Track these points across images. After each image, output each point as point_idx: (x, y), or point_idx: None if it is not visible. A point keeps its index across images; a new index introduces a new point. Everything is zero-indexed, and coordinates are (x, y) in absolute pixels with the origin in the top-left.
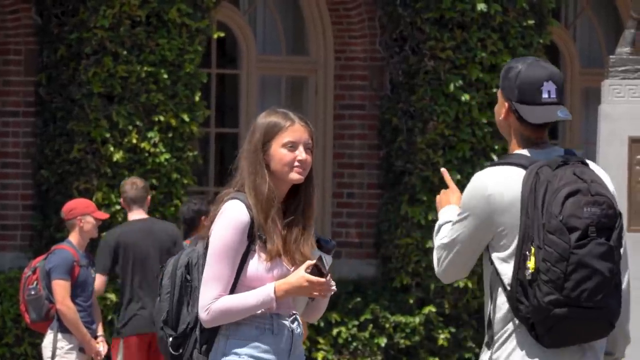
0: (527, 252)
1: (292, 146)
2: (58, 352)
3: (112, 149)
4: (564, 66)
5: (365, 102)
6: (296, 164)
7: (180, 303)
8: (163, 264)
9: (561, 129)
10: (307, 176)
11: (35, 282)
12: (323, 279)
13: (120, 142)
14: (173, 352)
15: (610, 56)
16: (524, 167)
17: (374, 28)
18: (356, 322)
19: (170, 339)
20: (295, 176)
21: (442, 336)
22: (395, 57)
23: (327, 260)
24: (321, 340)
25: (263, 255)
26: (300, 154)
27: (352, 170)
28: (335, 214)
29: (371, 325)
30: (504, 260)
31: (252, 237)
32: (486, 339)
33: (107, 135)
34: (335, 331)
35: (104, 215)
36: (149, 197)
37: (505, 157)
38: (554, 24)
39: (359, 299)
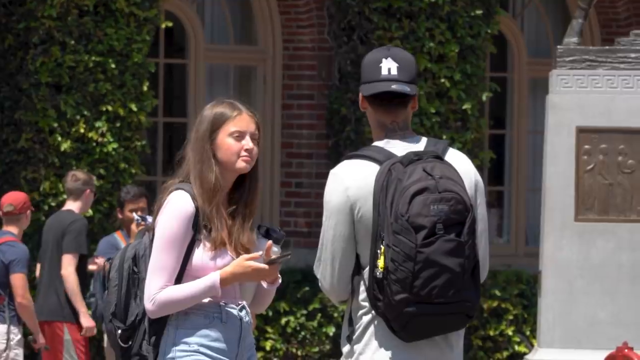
0: (378, 251)
1: (239, 135)
2: (11, 343)
3: (59, 138)
4: (511, 56)
5: (314, 92)
6: (243, 153)
7: (129, 295)
8: (57, 252)
9: (509, 119)
10: (252, 167)
11: None
12: (264, 265)
13: (67, 131)
14: (122, 344)
15: (558, 46)
16: (379, 162)
17: (322, 17)
18: (304, 312)
19: (119, 331)
20: (242, 165)
21: None
22: (344, 46)
23: (275, 249)
24: (270, 329)
25: (208, 245)
26: (247, 143)
27: (300, 160)
28: (283, 203)
29: (319, 315)
30: (363, 254)
31: (198, 227)
32: (347, 332)
33: (55, 124)
34: (283, 320)
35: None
36: (88, 191)
37: (362, 150)
38: (502, 14)
39: (307, 288)
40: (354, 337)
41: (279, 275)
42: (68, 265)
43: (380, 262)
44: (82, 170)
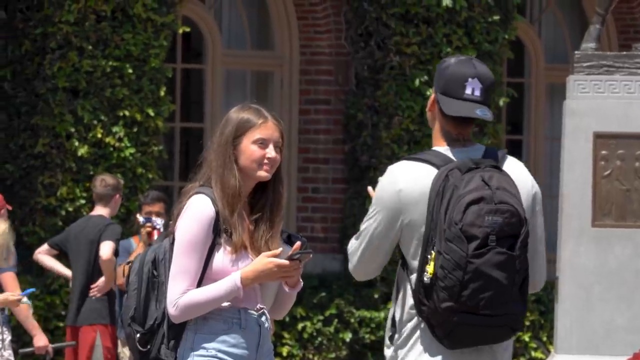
0: (428, 256)
1: (262, 143)
2: (4, 343)
3: (76, 143)
4: (529, 62)
5: (331, 97)
6: (265, 161)
7: (148, 299)
8: (92, 256)
9: (526, 125)
10: (276, 174)
11: None
12: (288, 262)
13: (85, 136)
14: (141, 348)
15: (576, 52)
16: (437, 166)
17: (339, 23)
18: (321, 317)
19: (138, 335)
20: (263, 174)
21: None
22: (361, 52)
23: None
24: (286, 335)
25: (228, 249)
26: (270, 152)
27: (317, 165)
28: (300, 208)
29: (336, 320)
30: (412, 258)
31: (218, 230)
32: (389, 333)
33: (72, 129)
34: (300, 326)
35: None
36: (117, 196)
37: (421, 153)
38: (519, 20)
39: (324, 294)
40: (399, 341)
41: (301, 280)
42: (109, 249)
43: (430, 268)
44: (110, 174)
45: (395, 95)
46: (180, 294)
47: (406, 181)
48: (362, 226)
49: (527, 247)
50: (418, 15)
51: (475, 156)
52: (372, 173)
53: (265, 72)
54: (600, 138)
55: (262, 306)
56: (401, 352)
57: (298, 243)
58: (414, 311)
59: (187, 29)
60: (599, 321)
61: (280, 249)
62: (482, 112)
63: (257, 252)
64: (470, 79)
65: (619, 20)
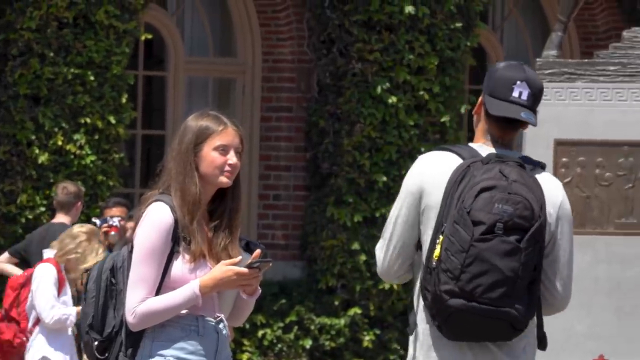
0: (437, 241)
1: (223, 150)
2: None
3: (37, 151)
4: None
5: (293, 104)
6: (226, 168)
7: (106, 307)
8: None
9: None
10: (235, 181)
11: None
12: (247, 270)
13: (45, 144)
14: (99, 356)
15: (537, 59)
16: (463, 157)
17: (301, 30)
18: (281, 324)
19: (96, 343)
20: (224, 180)
21: (367, 338)
22: (323, 59)
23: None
24: (246, 342)
25: (187, 257)
26: (231, 158)
27: (278, 172)
28: (261, 215)
29: (296, 327)
30: (425, 244)
31: (177, 238)
32: (410, 322)
33: (33, 137)
34: (260, 333)
35: None
36: (79, 204)
37: (453, 145)
38: (482, 27)
39: (284, 301)
40: (414, 330)
41: (259, 288)
42: None
43: (436, 252)
44: (71, 182)
45: (358, 102)
46: (139, 302)
47: (430, 167)
48: (389, 217)
49: (539, 244)
50: (380, 22)
51: (505, 155)
52: (334, 180)
53: (227, 79)
54: (560, 145)
55: (219, 314)
56: (416, 343)
57: (258, 251)
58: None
59: (150, 36)
60: (558, 328)
61: (240, 257)
62: (527, 116)
63: (216, 260)
64: (519, 82)
65: (580, 28)
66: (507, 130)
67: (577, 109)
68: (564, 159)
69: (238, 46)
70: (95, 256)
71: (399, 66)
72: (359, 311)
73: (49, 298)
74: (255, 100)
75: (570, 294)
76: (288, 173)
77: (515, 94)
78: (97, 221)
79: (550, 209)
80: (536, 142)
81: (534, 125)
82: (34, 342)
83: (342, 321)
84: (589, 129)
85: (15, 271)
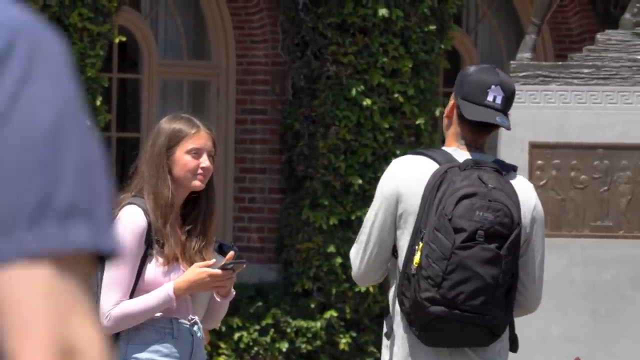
0: (416, 247)
1: (196, 153)
2: None
3: None
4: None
5: (267, 107)
6: (199, 171)
7: None
8: None
9: None
10: (208, 184)
11: None
12: (221, 272)
13: None
14: None
15: (511, 62)
16: (439, 162)
17: (275, 33)
18: (257, 327)
19: None
20: (197, 183)
21: (343, 341)
22: (297, 62)
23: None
24: (222, 345)
25: (160, 260)
26: (204, 161)
27: (253, 175)
28: (236, 218)
29: (272, 330)
30: (402, 250)
31: (150, 241)
32: (385, 329)
33: None
34: (236, 336)
35: None
36: None
37: (426, 149)
38: (455, 30)
39: (260, 304)
40: (391, 337)
41: (233, 290)
42: None
43: (416, 258)
44: None
45: (332, 104)
46: (113, 305)
47: (405, 171)
48: (364, 221)
49: (517, 251)
50: (354, 25)
51: (481, 160)
52: (309, 183)
53: (201, 82)
54: (535, 148)
55: (193, 316)
56: (393, 349)
57: (231, 253)
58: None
59: (124, 39)
60: (535, 330)
61: (214, 260)
62: (502, 120)
63: (189, 263)
64: (493, 86)
65: (554, 30)
66: (480, 134)
67: (552, 111)
68: (539, 162)
69: (212, 49)
70: None
71: (373, 69)
72: (335, 314)
73: None
74: (230, 103)
75: (541, 296)
76: (263, 176)
77: (490, 98)
78: None
79: (526, 212)
80: (511, 145)
81: (508, 129)
82: None
83: (319, 324)
84: (563, 131)
85: None
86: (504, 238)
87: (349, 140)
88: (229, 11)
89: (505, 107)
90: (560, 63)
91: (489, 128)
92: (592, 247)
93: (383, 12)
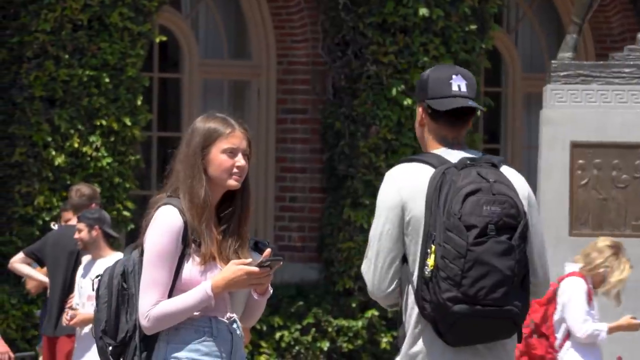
0: (429, 250)
1: (231, 152)
2: None
3: (53, 152)
4: (506, 71)
5: (308, 107)
6: (235, 170)
7: (118, 312)
8: (71, 267)
9: (503, 134)
10: (244, 183)
11: None
12: (258, 269)
13: (62, 146)
14: None
15: (552, 61)
16: (433, 166)
17: (316, 32)
18: (299, 326)
19: (110, 348)
20: (233, 183)
21: (384, 340)
22: (338, 61)
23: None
24: (264, 344)
25: (197, 259)
26: (240, 160)
27: (294, 174)
28: (277, 217)
29: (314, 329)
30: (414, 256)
31: (187, 241)
32: (399, 335)
33: (49, 139)
34: (277, 335)
35: None
36: (94, 205)
37: (416, 155)
38: (496, 29)
39: (301, 303)
40: (406, 341)
41: (270, 287)
42: None
43: (430, 261)
44: (86, 184)
45: (373, 104)
46: (152, 305)
47: (404, 179)
48: (369, 239)
49: (526, 239)
50: (395, 25)
51: (474, 157)
52: (350, 182)
53: (242, 81)
54: (577, 147)
55: (232, 314)
56: (410, 352)
57: (268, 250)
58: (417, 310)
59: (164, 38)
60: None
61: (250, 259)
62: (474, 103)
63: (226, 261)
64: (454, 76)
65: (595, 30)
66: (457, 126)
67: (593, 111)
68: (580, 161)
69: (253, 48)
70: (620, 273)
71: (413, 68)
72: (376, 313)
73: (581, 312)
74: (271, 103)
75: (549, 279)
76: (304, 175)
77: (455, 87)
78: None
79: (523, 200)
80: (552, 144)
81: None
82: (564, 357)
83: (360, 323)
84: (604, 130)
85: (28, 271)
86: (513, 229)
87: (389, 139)
88: (270, 11)
89: (471, 93)
90: (601, 62)
91: (465, 118)
92: (635, 246)
93: (424, 11)
